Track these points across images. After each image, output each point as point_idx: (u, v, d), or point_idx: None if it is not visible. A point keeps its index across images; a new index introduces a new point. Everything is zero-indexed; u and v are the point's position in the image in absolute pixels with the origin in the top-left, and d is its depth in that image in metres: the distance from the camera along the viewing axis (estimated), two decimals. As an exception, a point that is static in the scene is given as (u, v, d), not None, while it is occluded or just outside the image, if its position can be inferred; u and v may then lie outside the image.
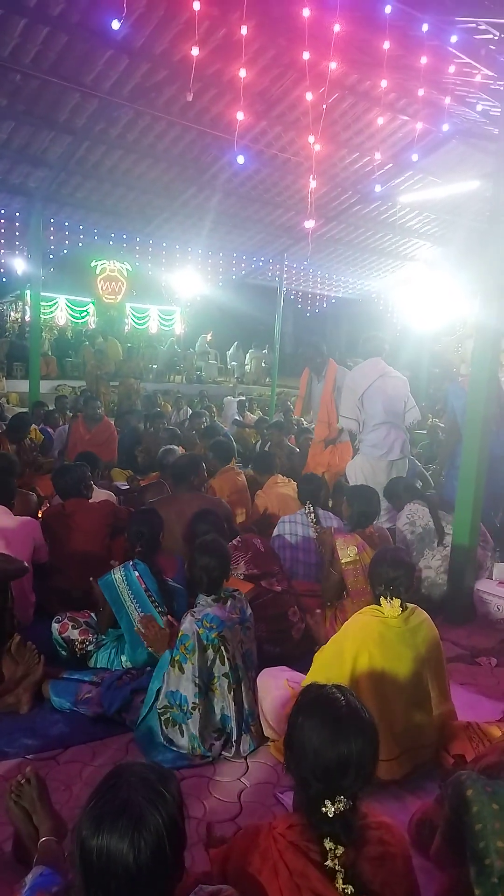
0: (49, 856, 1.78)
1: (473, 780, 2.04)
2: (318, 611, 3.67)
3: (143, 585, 3.23)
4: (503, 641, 3.98)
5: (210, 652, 2.71)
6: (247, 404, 12.51)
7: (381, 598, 2.64)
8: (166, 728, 2.70)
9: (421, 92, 5.10)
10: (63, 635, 3.41)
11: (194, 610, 2.80)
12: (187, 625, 2.73)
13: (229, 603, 2.85)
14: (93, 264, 18.74)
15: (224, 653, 2.73)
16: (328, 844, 1.44)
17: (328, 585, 3.70)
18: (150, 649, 3.07)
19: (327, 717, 1.52)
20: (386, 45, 4.04)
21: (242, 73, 4.15)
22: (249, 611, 2.97)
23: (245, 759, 2.75)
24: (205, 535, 3.61)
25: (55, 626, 3.45)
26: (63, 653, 3.42)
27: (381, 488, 4.76)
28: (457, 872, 1.99)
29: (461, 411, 4.95)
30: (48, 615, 3.64)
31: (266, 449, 7.43)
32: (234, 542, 3.70)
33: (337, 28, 3.84)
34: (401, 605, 2.62)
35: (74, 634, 3.40)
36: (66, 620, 3.45)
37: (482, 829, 1.93)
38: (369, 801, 2.24)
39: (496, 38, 4.42)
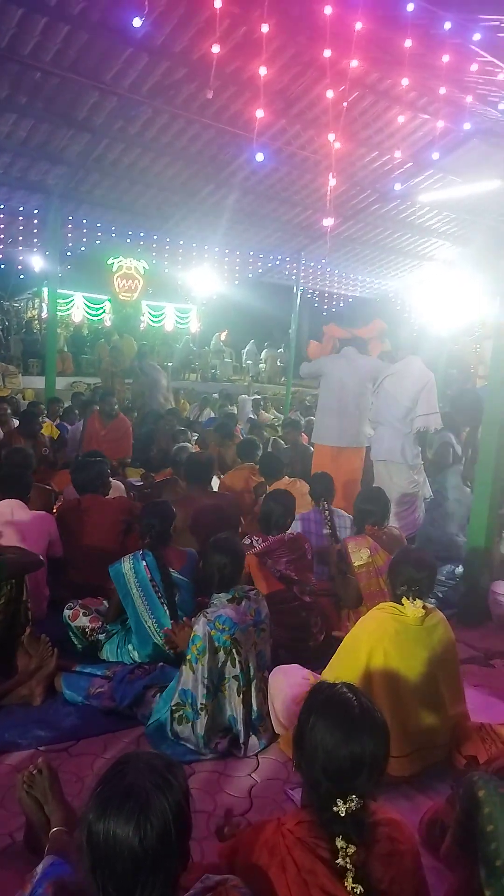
0: (60, 846, 1.79)
1: (486, 780, 2.02)
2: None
3: (150, 576, 3.26)
4: (517, 644, 3.95)
5: (221, 654, 2.71)
6: (262, 403, 12.50)
7: (404, 598, 2.61)
8: (178, 724, 2.71)
9: (443, 90, 5.06)
10: (74, 623, 3.45)
11: (208, 611, 2.78)
12: (200, 626, 2.72)
13: (244, 603, 2.83)
14: (109, 262, 18.77)
15: (236, 656, 2.72)
16: (340, 843, 1.44)
17: (348, 593, 3.63)
18: (166, 647, 3.09)
19: (340, 717, 1.52)
20: (408, 43, 4.02)
21: (263, 70, 4.14)
22: (266, 611, 2.95)
23: (256, 755, 2.76)
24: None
25: (67, 613, 3.49)
26: (76, 641, 3.46)
27: (388, 491, 4.76)
28: (467, 873, 1.98)
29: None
30: (62, 610, 3.67)
31: (270, 450, 7.36)
32: (285, 535, 3.65)
33: (359, 26, 3.82)
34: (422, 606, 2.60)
35: (84, 622, 3.44)
36: (77, 608, 3.50)
37: (493, 830, 1.92)
38: (380, 800, 2.25)
39: (519, 35, 4.39)
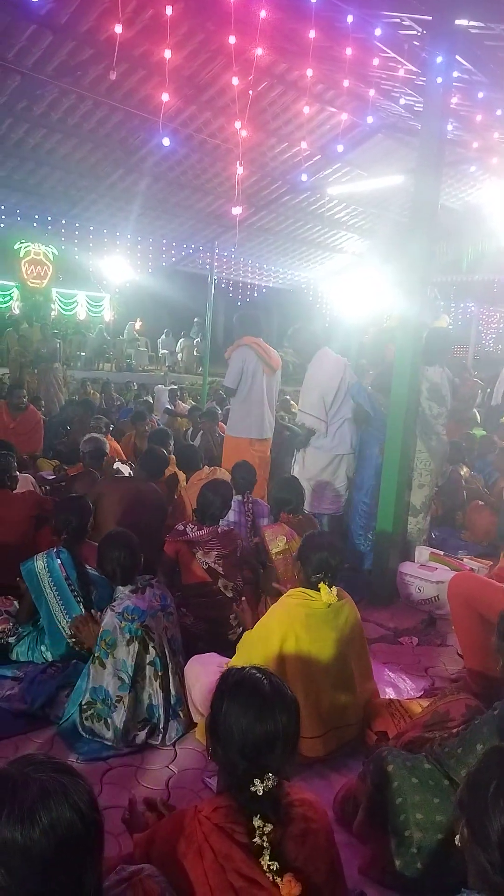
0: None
1: (394, 755, 2.12)
2: (243, 598, 3.65)
3: (65, 574, 3.17)
4: (424, 621, 4.12)
5: (135, 645, 2.69)
6: (178, 393, 12.41)
7: (320, 584, 2.63)
8: (90, 722, 2.67)
9: (346, 83, 5.13)
10: None
11: (114, 604, 2.77)
12: (108, 619, 2.72)
13: (148, 591, 2.84)
14: (16, 247, 18.09)
15: (149, 642, 2.72)
16: (257, 822, 1.46)
17: (268, 583, 3.65)
18: (72, 643, 3.02)
19: (253, 696, 1.54)
20: (311, 34, 4.05)
21: (167, 54, 4.07)
22: (170, 597, 2.98)
23: (173, 745, 2.75)
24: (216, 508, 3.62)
25: None
26: None
27: (331, 481, 4.84)
28: (379, 845, 2.07)
29: (368, 404, 4.98)
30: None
31: (190, 442, 7.32)
32: (219, 527, 3.61)
33: (263, 14, 3.82)
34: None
35: None
36: None
37: (402, 802, 2.01)
38: (295, 780, 2.30)
39: (419, 33, 4.51)
